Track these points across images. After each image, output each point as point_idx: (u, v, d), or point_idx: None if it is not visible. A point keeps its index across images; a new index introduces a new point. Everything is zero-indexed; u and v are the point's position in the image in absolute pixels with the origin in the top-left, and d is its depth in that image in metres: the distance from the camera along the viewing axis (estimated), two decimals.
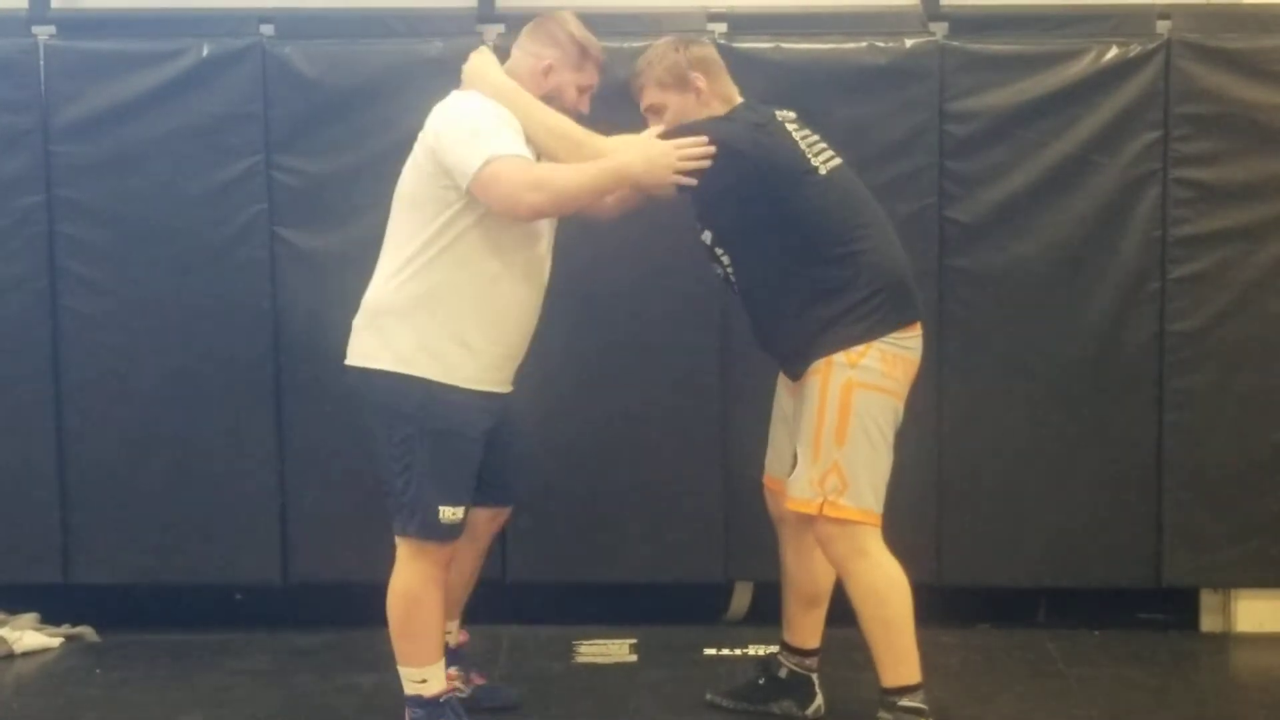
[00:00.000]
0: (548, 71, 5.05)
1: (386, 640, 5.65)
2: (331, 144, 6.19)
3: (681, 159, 4.77)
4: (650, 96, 5.09)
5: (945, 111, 6.18)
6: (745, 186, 4.83)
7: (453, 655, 5.41)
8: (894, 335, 4.84)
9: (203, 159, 6.18)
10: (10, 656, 6.12)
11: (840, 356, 4.77)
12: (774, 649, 5.59)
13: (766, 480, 5.36)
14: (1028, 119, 6.17)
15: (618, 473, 6.21)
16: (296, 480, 6.32)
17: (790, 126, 5.02)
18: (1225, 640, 6.44)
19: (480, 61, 5.11)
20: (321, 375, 6.19)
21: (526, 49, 5.10)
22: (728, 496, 6.33)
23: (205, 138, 6.17)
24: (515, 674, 5.84)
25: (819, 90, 6.12)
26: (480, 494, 5.10)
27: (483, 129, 4.83)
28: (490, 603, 6.24)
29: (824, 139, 5.12)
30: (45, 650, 6.22)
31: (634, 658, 5.89)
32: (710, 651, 6.13)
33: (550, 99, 5.02)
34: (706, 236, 5.04)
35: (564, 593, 6.50)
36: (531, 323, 5.09)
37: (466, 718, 5.07)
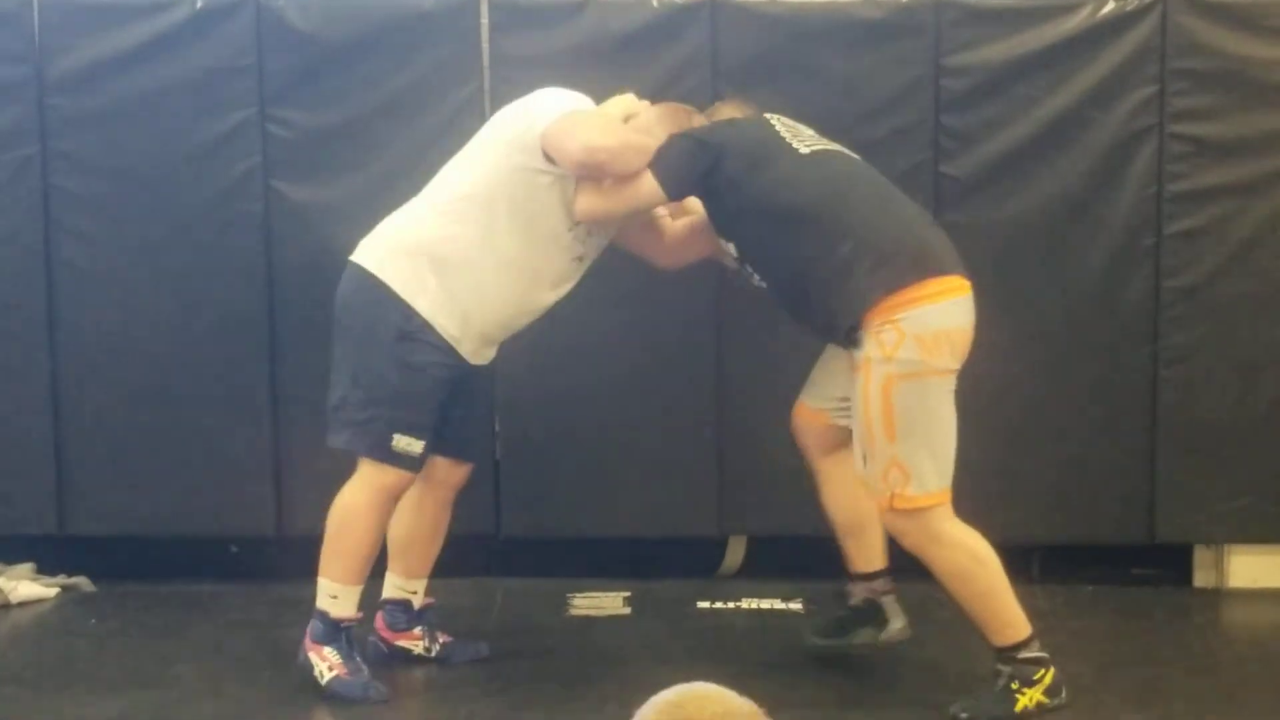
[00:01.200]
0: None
1: (380, 593, 5.69)
2: (326, 97, 6.17)
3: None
4: None
5: (941, 66, 6.15)
6: (718, 164, 4.95)
7: (418, 616, 5.50)
8: (922, 307, 4.77)
9: (197, 112, 6.17)
10: (6, 606, 6.14)
11: (875, 351, 4.73)
12: (780, 603, 5.63)
13: (797, 408, 5.34)
14: (1023, 74, 6.15)
15: (612, 428, 6.22)
16: (291, 433, 6.31)
17: (774, 122, 5.11)
18: (1218, 596, 6.45)
19: (621, 101, 5.28)
20: (316, 328, 6.17)
21: (648, 118, 5.21)
22: (722, 451, 6.35)
23: (199, 90, 6.16)
24: (509, 627, 5.87)
25: (814, 45, 6.12)
26: (441, 443, 5.21)
27: (578, 108, 5.08)
28: (484, 557, 6.29)
29: (821, 133, 5.16)
30: (41, 600, 6.24)
31: (627, 610, 5.91)
32: (704, 605, 6.14)
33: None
34: (731, 248, 5.13)
35: (558, 547, 6.52)
36: (524, 319, 5.24)
37: (355, 653, 5.14)
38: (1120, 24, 6.13)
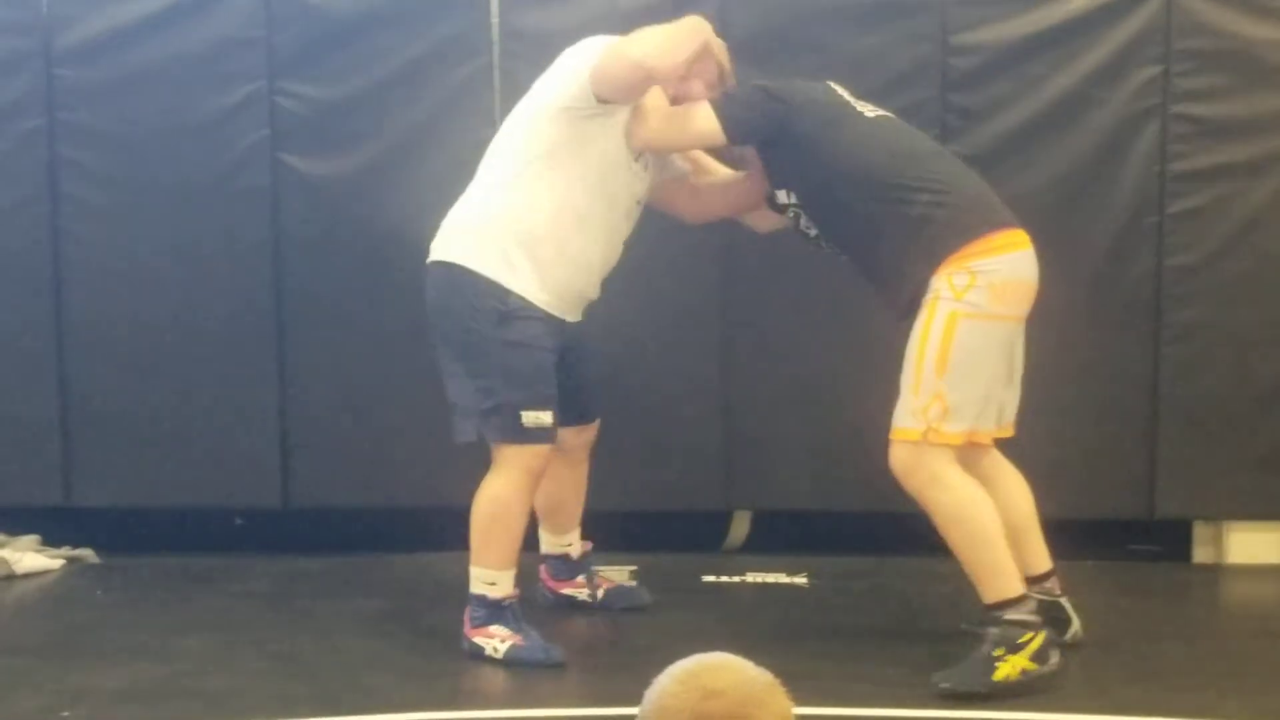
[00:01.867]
0: (686, 77, 5.24)
1: (387, 565, 5.73)
2: (335, 71, 6.20)
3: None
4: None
5: (948, 44, 6.20)
6: (789, 118, 5.07)
7: (578, 565, 5.77)
8: (992, 258, 4.87)
9: (205, 84, 6.20)
10: (11, 578, 6.16)
11: (945, 290, 4.82)
12: (785, 576, 5.67)
13: None
14: (1030, 53, 6.20)
15: (619, 403, 6.20)
16: (297, 405, 6.36)
17: (835, 86, 5.23)
18: (1217, 571, 6.50)
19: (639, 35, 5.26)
20: (324, 300, 6.25)
21: (670, 34, 5.22)
22: (728, 426, 6.38)
23: (208, 63, 6.19)
24: None
25: (823, 21, 6.18)
26: (563, 414, 5.28)
27: None
28: None
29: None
30: (46, 572, 6.27)
31: (634, 584, 5.92)
32: (709, 579, 6.17)
33: (675, 98, 5.24)
34: (782, 196, 5.22)
35: None
36: (607, 269, 5.34)
37: (525, 623, 5.20)
38: (1126, 4, 6.17)
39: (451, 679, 5.02)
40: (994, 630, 4.87)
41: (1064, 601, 5.36)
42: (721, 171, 5.58)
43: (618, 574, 5.95)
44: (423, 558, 6.01)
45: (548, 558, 5.78)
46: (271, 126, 6.19)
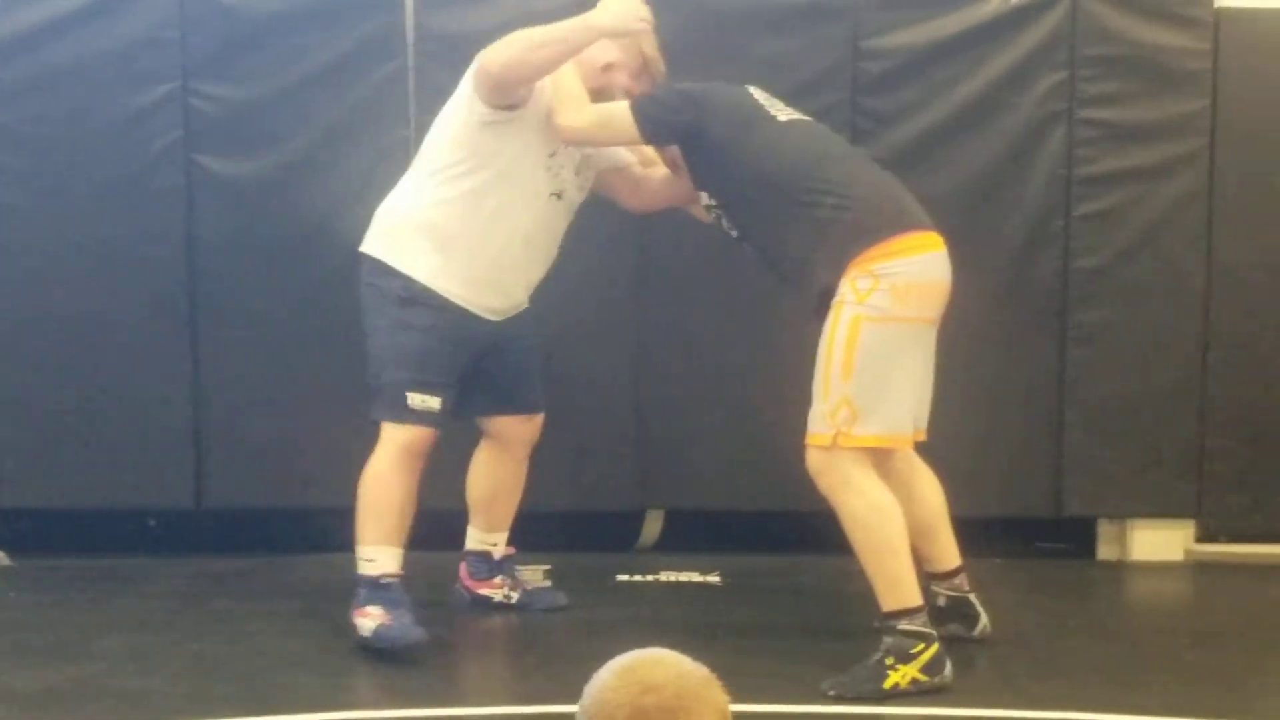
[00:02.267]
0: (607, 68, 5.33)
1: (302, 565, 5.74)
2: (249, 71, 6.20)
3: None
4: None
5: (859, 49, 6.29)
6: (702, 122, 5.14)
7: (498, 566, 5.81)
8: (897, 260, 4.91)
9: (119, 85, 6.18)
10: None
11: (849, 295, 4.87)
12: (699, 575, 5.72)
13: None
14: (939, 58, 6.30)
15: None
16: (211, 406, 6.35)
17: (752, 90, 5.29)
18: (1120, 568, 6.64)
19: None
20: (238, 301, 6.26)
21: (601, 42, 5.30)
22: (641, 427, 6.44)
23: (121, 63, 6.16)
24: (432, 598, 5.90)
25: (736, 27, 6.24)
26: (497, 403, 5.55)
27: None
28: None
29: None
30: None
31: (548, 583, 5.96)
32: (623, 578, 6.23)
33: (597, 92, 5.30)
34: (704, 198, 5.29)
35: None
36: (531, 269, 5.45)
37: (407, 602, 5.25)
38: (1033, 11, 6.28)
39: (374, 678, 5.06)
40: (888, 639, 4.94)
41: (972, 598, 5.46)
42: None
43: (532, 573, 5.99)
44: (337, 558, 5.98)
45: (468, 555, 5.82)
46: (186, 127, 6.18)
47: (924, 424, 5.22)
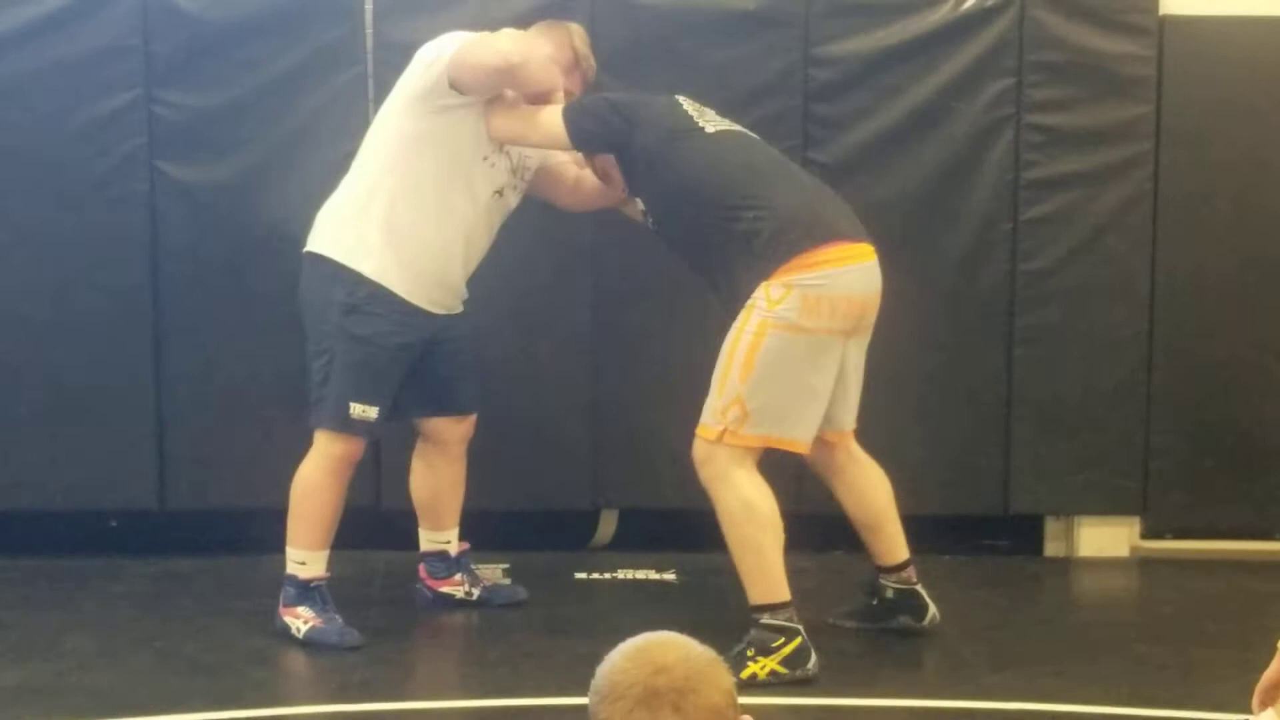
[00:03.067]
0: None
1: (266, 565, 5.81)
2: (212, 79, 6.24)
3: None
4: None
5: (810, 56, 6.37)
6: (630, 133, 5.25)
7: (455, 563, 5.89)
8: (814, 272, 5.01)
9: (82, 92, 6.20)
10: None
11: (761, 300, 4.99)
12: (655, 573, 5.88)
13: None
14: (889, 65, 6.39)
15: (489, 403, 6.30)
16: (173, 408, 6.39)
17: (683, 102, 5.39)
18: (1067, 564, 6.76)
19: (506, 33, 5.49)
20: (200, 304, 6.32)
21: (531, 38, 5.46)
22: (596, 428, 6.54)
23: (85, 72, 6.18)
24: (390, 598, 5.99)
25: (689, 34, 6.32)
26: (431, 404, 5.66)
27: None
28: (365, 530, 6.39)
29: (721, 113, 5.46)
30: None
31: (507, 581, 6.05)
32: (580, 576, 6.32)
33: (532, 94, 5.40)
34: (638, 204, 5.42)
35: None
36: (468, 262, 5.53)
37: (333, 606, 5.44)
38: (981, 18, 6.39)
39: (338, 674, 5.14)
40: (752, 631, 5.09)
41: (920, 589, 5.59)
42: None
43: (491, 571, 6.07)
44: None
45: (426, 556, 5.91)
46: (149, 134, 6.22)
47: (849, 423, 5.40)
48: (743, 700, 2.31)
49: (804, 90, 6.38)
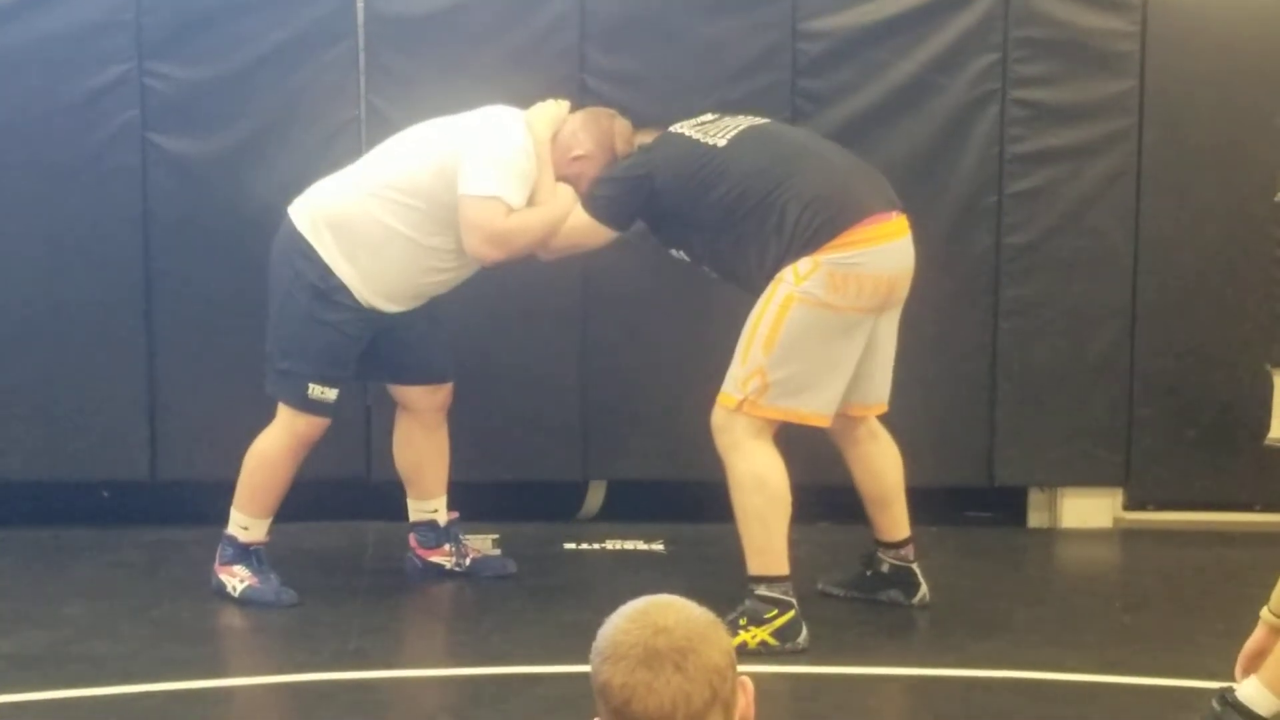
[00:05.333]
0: (578, 159, 5.47)
1: None
2: (203, 52, 6.27)
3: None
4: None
5: (797, 31, 6.41)
6: (656, 190, 5.31)
7: (444, 532, 5.93)
8: (842, 253, 5.06)
9: (74, 65, 6.23)
10: None
11: (789, 275, 5.05)
12: (643, 543, 6.09)
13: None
14: (875, 39, 6.43)
15: (479, 375, 6.34)
16: (165, 380, 6.44)
17: (680, 130, 5.40)
18: (1051, 535, 6.83)
19: (548, 112, 5.51)
20: (192, 275, 6.35)
21: (572, 127, 5.49)
22: (585, 400, 6.59)
23: (77, 44, 6.21)
24: (382, 568, 6.04)
25: (678, 9, 6.38)
26: (399, 374, 5.76)
27: (507, 167, 5.32)
28: (355, 501, 6.46)
29: (735, 115, 5.50)
30: None
31: (497, 552, 6.09)
32: (570, 546, 6.37)
33: (565, 178, 5.45)
34: (681, 254, 5.49)
35: None
36: (436, 289, 5.60)
37: (268, 567, 5.58)
38: None
39: (332, 642, 5.20)
40: (746, 601, 5.16)
41: (915, 568, 5.66)
42: None
43: (481, 542, 6.11)
44: (289, 526, 6.08)
45: (416, 525, 5.95)
46: (141, 107, 6.25)
47: (878, 399, 5.47)
48: (746, 669, 2.36)
49: (792, 65, 6.42)
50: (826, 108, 6.44)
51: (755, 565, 5.18)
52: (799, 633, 5.14)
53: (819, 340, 5.13)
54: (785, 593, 5.17)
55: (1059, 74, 6.49)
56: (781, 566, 5.19)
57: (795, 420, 5.21)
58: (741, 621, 5.08)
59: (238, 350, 6.32)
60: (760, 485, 5.15)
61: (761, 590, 5.16)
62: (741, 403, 5.14)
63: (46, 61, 6.23)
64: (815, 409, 5.21)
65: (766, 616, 5.12)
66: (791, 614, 5.14)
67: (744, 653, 4.87)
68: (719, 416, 5.21)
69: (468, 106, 5.54)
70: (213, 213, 6.30)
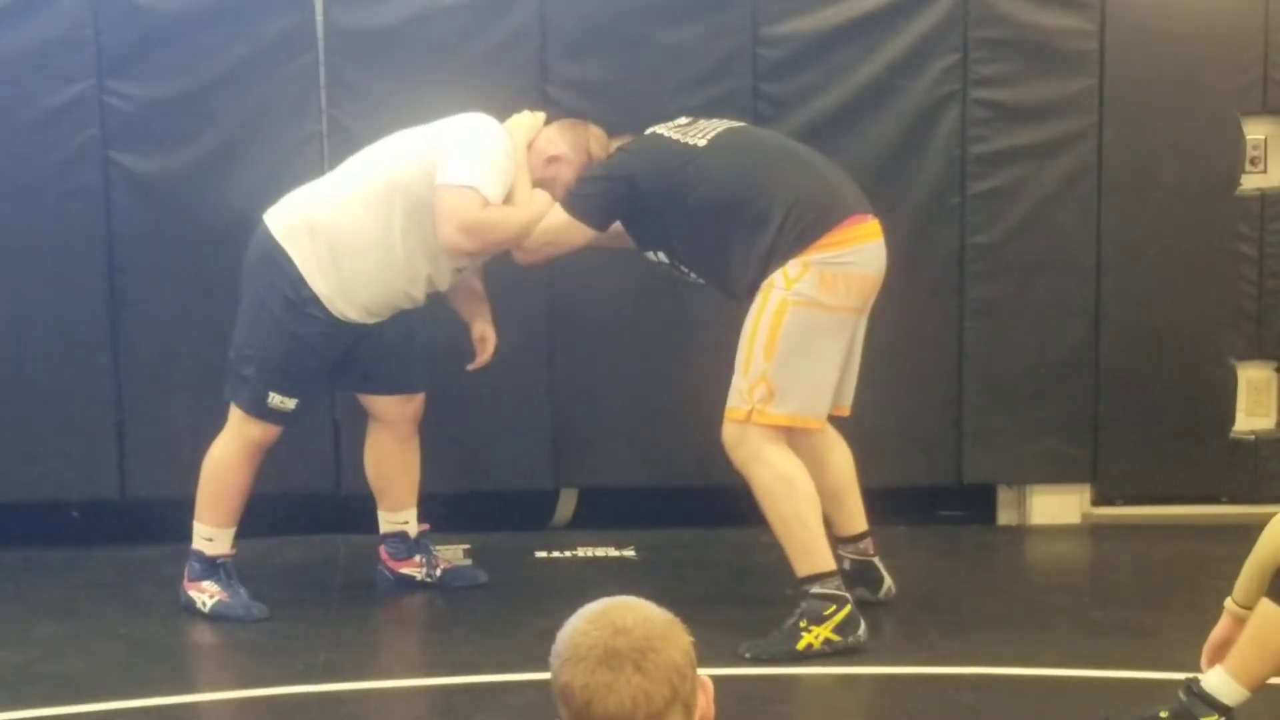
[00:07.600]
0: (553, 161, 5.50)
1: None
2: (163, 69, 6.26)
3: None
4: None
5: (758, 36, 6.42)
6: (637, 189, 5.29)
7: (415, 544, 5.91)
8: (830, 252, 5.09)
9: (34, 84, 6.21)
10: None
11: (779, 279, 5.06)
12: (615, 550, 6.07)
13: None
14: (836, 43, 6.44)
15: (448, 384, 6.32)
16: (133, 397, 6.42)
17: (660, 131, 5.41)
18: (1020, 532, 6.84)
19: (524, 121, 5.56)
20: (156, 293, 6.34)
21: (548, 134, 5.54)
22: (555, 408, 6.59)
23: (36, 63, 6.20)
24: (352, 581, 6.04)
25: (639, 16, 6.39)
26: (368, 384, 5.75)
27: (486, 161, 5.34)
28: (326, 514, 6.45)
29: (710, 118, 5.50)
30: None
31: (468, 562, 6.10)
32: (541, 554, 6.37)
33: (540, 183, 5.47)
34: (660, 256, 5.46)
35: None
36: (409, 300, 5.58)
37: (238, 581, 5.58)
38: None
39: (304, 656, 5.19)
40: (802, 603, 5.15)
41: (877, 561, 5.67)
42: None
43: (451, 552, 6.12)
44: (258, 543, 6.10)
45: (386, 537, 5.94)
46: (101, 125, 6.24)
47: (847, 401, 5.47)
48: (720, 672, 2.37)
49: (753, 70, 6.43)
50: (789, 112, 6.44)
51: (804, 566, 5.17)
52: (858, 626, 5.15)
53: (817, 340, 5.16)
54: (838, 587, 5.17)
55: (1019, 74, 6.51)
56: (829, 562, 5.19)
57: (799, 425, 5.23)
58: (802, 624, 5.10)
59: (204, 367, 6.29)
60: (791, 488, 5.15)
61: (816, 589, 5.15)
62: (750, 413, 5.14)
63: (4, 81, 6.21)
64: (815, 411, 5.24)
65: (826, 614, 5.11)
66: (849, 608, 5.15)
67: (811, 654, 5.02)
68: (730, 432, 5.21)
69: (430, 119, 5.55)
70: (175, 230, 6.30)
